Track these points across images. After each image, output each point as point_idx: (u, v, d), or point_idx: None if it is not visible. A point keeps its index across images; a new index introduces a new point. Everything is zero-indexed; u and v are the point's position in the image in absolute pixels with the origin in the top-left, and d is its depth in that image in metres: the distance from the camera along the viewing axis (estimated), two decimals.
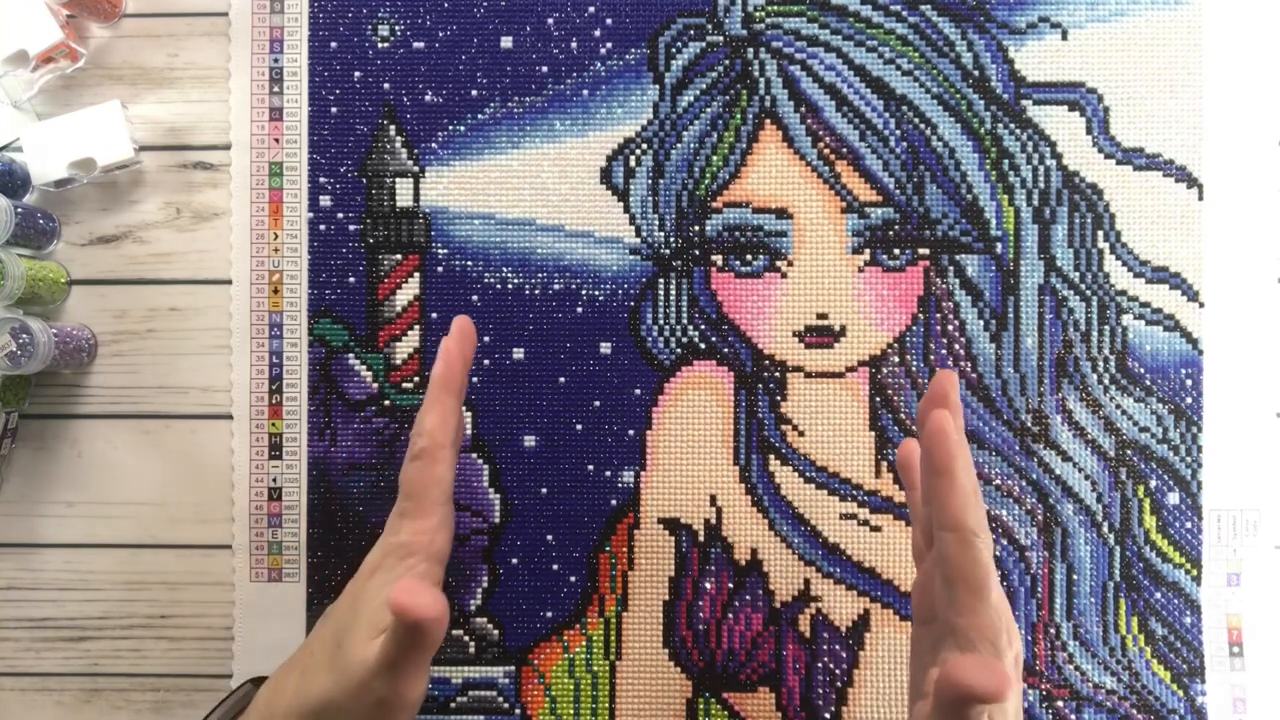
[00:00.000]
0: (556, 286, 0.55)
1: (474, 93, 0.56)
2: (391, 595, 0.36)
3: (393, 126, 0.56)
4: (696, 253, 0.55)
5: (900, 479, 0.53)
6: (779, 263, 0.55)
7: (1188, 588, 0.54)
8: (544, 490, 0.55)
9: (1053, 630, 0.54)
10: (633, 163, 0.55)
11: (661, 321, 0.55)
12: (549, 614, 0.55)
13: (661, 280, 0.55)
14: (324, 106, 0.56)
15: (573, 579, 0.55)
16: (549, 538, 0.55)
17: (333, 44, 0.56)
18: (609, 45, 0.55)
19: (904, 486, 0.48)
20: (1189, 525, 0.54)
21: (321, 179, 0.56)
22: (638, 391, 0.55)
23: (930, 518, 0.40)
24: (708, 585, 0.54)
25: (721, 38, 0.55)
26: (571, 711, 0.54)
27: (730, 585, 0.54)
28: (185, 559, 0.56)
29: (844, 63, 0.54)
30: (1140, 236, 0.54)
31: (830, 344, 0.54)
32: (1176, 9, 0.55)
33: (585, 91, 0.55)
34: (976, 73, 0.54)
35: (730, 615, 0.54)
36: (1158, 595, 0.54)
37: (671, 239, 0.55)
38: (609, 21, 0.55)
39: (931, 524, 0.39)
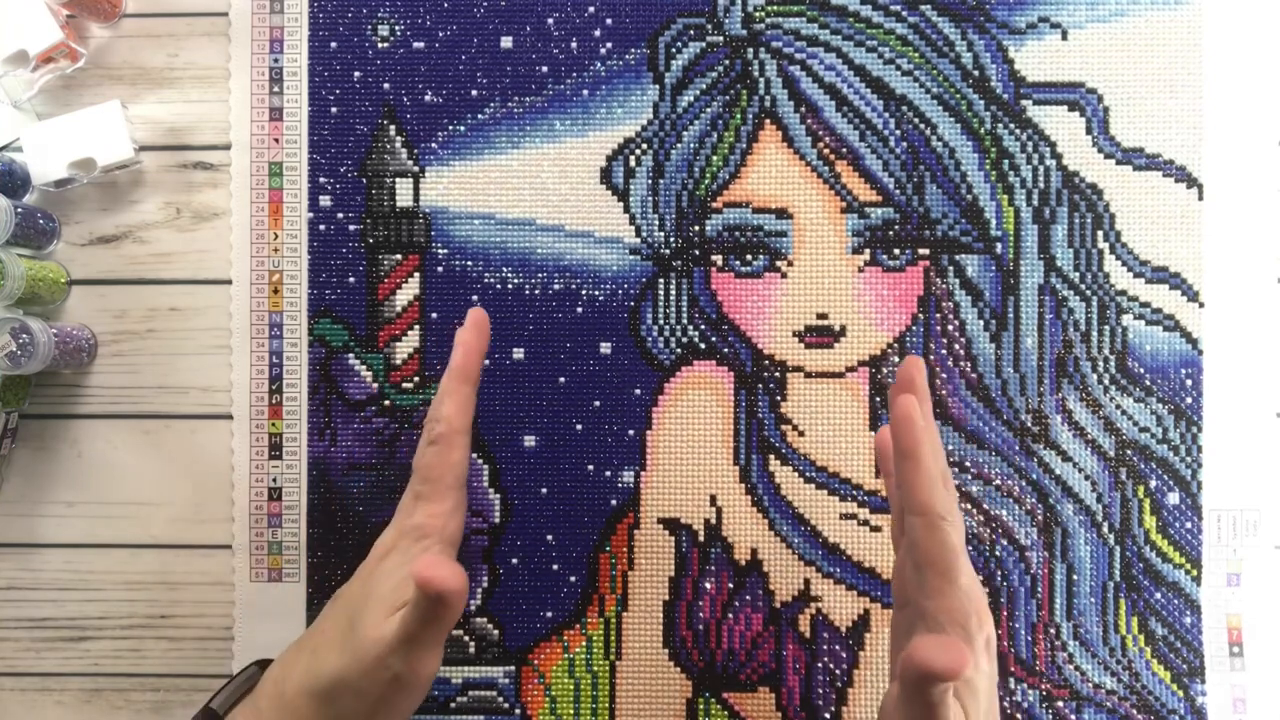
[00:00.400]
0: (556, 286, 0.55)
1: (474, 93, 0.56)
2: (416, 568, 0.37)
3: (393, 126, 0.56)
4: (696, 253, 0.55)
5: (879, 467, 0.52)
6: (779, 263, 0.55)
7: (1188, 588, 0.54)
8: (544, 490, 0.55)
9: (1053, 630, 0.54)
10: (633, 163, 0.55)
11: (661, 321, 0.55)
12: (549, 614, 0.55)
13: (661, 280, 0.55)
14: (324, 106, 0.56)
15: (573, 579, 0.55)
16: (549, 538, 0.55)
17: (333, 44, 0.56)
18: (609, 45, 0.55)
19: (882, 474, 0.48)
20: (1189, 525, 0.54)
21: (321, 179, 0.56)
22: (638, 391, 0.55)
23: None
24: (708, 585, 0.54)
25: (721, 38, 0.55)
26: (571, 711, 0.54)
27: (730, 585, 0.54)
28: (185, 559, 0.56)
29: (844, 63, 0.54)
30: (1140, 236, 0.54)
31: (830, 344, 0.54)
32: (1176, 9, 0.55)
33: (585, 91, 0.55)
34: (976, 73, 0.54)
35: (730, 615, 0.54)
36: (1158, 595, 0.54)
37: (671, 239, 0.55)
38: (609, 21, 0.55)
39: None
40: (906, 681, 0.36)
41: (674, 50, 0.55)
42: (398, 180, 0.56)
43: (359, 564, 0.55)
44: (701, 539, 0.54)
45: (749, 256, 0.55)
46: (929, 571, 0.39)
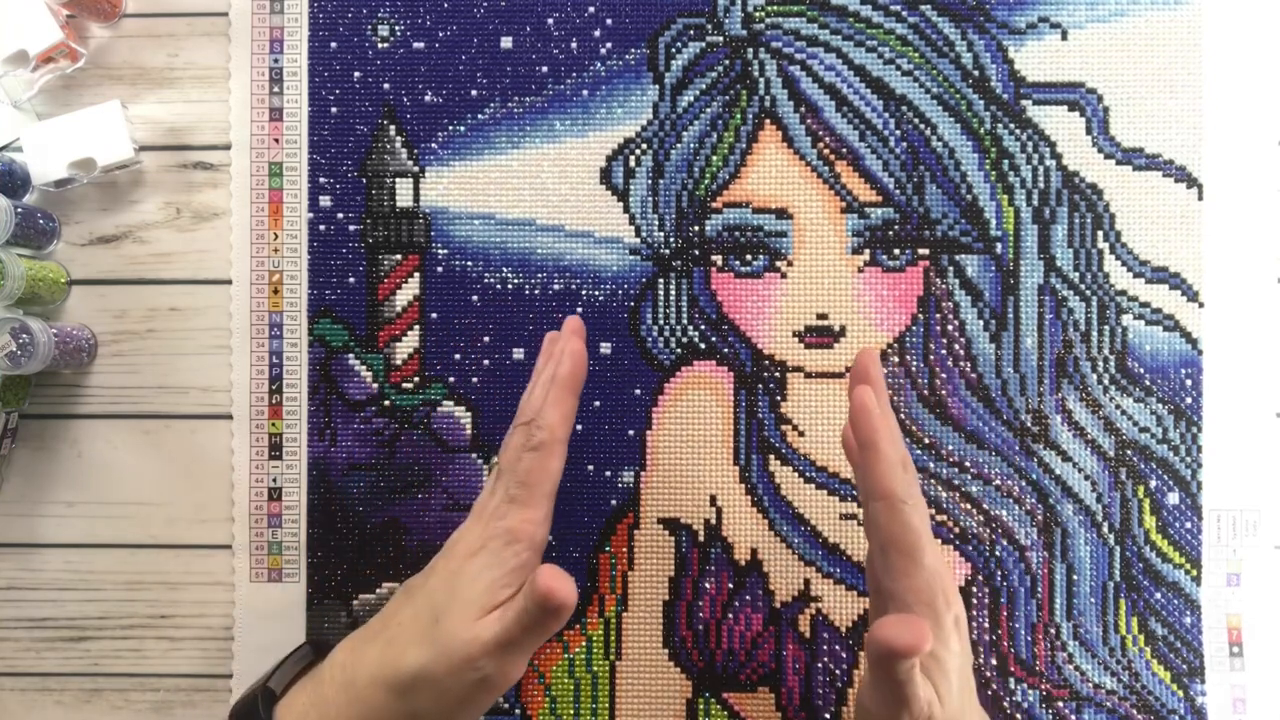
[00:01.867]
0: (556, 286, 0.55)
1: (474, 93, 0.56)
2: (542, 580, 0.38)
3: (393, 126, 0.56)
4: (696, 253, 0.55)
5: (849, 460, 0.52)
6: (779, 263, 0.55)
7: (1188, 588, 0.54)
8: None
9: (1053, 630, 0.54)
10: (633, 163, 0.55)
11: (661, 321, 0.55)
12: None
13: (661, 280, 0.55)
14: (324, 106, 0.56)
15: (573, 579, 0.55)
16: (549, 538, 0.55)
17: (333, 44, 0.56)
18: (609, 45, 0.55)
19: (851, 466, 0.49)
20: (1189, 525, 0.54)
21: (321, 179, 0.56)
22: (638, 391, 0.55)
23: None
24: (708, 585, 0.54)
25: (721, 38, 0.55)
26: (571, 711, 0.54)
27: (730, 585, 0.54)
28: (185, 559, 0.56)
29: (844, 63, 0.54)
30: (1140, 236, 0.54)
31: (830, 344, 0.54)
32: (1176, 9, 0.55)
33: (585, 91, 0.55)
34: (976, 73, 0.54)
35: (730, 615, 0.54)
36: (1158, 595, 0.54)
37: (671, 239, 0.55)
38: (609, 21, 0.55)
39: None
40: (873, 661, 0.38)
41: (674, 50, 0.55)
42: (398, 180, 0.56)
43: (359, 564, 0.55)
44: (701, 539, 0.54)
45: (749, 256, 0.55)
46: (893, 553, 0.40)
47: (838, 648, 0.54)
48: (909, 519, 0.40)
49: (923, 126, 0.54)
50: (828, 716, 0.54)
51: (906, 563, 0.40)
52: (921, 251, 0.54)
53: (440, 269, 0.56)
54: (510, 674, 0.41)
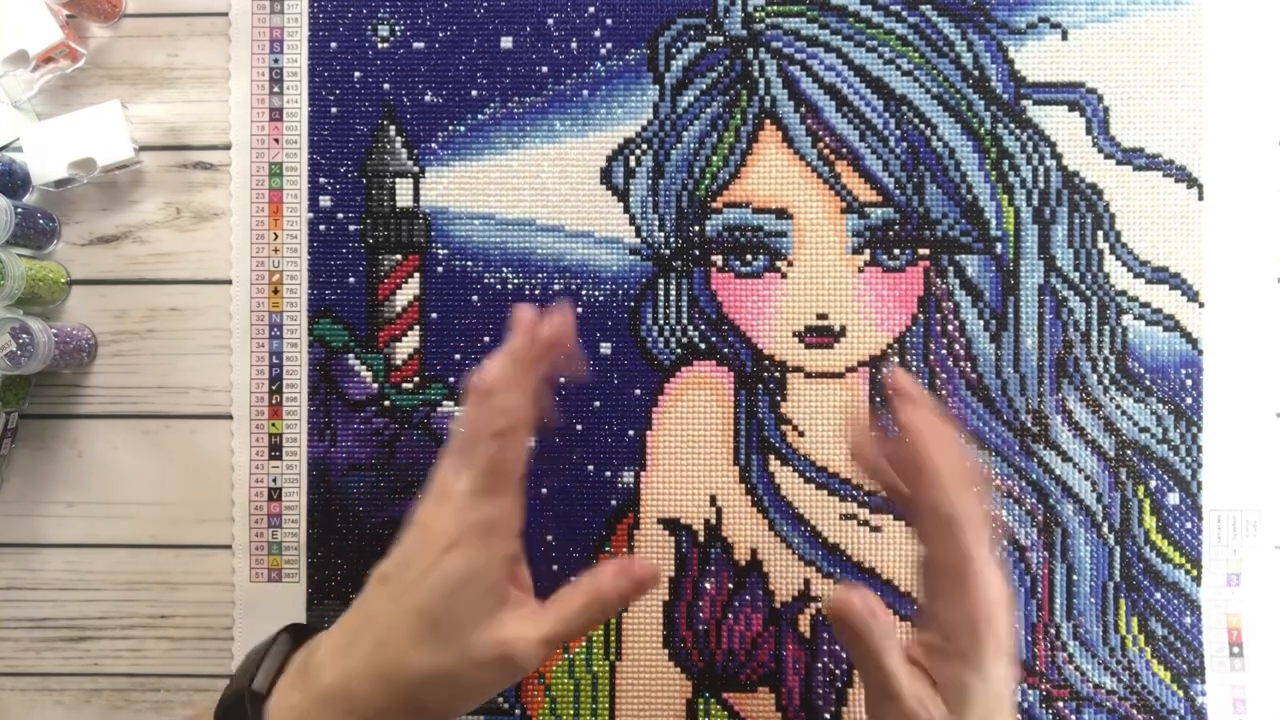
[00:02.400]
0: (556, 286, 0.55)
1: (474, 93, 0.56)
2: (641, 569, 0.40)
3: (393, 126, 0.56)
4: (696, 253, 0.55)
5: (857, 464, 0.48)
6: (779, 263, 0.55)
7: (1188, 588, 0.54)
8: (544, 490, 0.55)
9: (1053, 630, 0.54)
10: (633, 163, 0.55)
11: (661, 322, 0.55)
12: None
13: (661, 280, 0.55)
14: (324, 106, 0.56)
15: (573, 579, 0.55)
16: (549, 538, 0.55)
17: (333, 44, 0.56)
18: (609, 45, 0.55)
19: (860, 467, 0.47)
20: (1189, 525, 0.54)
21: (321, 179, 0.56)
22: (638, 391, 0.55)
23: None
24: (708, 585, 0.54)
25: (721, 38, 0.55)
26: (571, 711, 0.54)
27: (730, 585, 0.54)
28: (185, 559, 0.56)
29: (844, 63, 0.54)
30: (1140, 236, 0.54)
31: (830, 344, 0.54)
32: (1176, 9, 0.55)
33: (585, 91, 0.55)
34: (976, 73, 0.54)
35: (730, 615, 0.54)
36: (1158, 595, 0.54)
37: (671, 239, 0.55)
38: (609, 21, 0.55)
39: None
40: (847, 647, 0.40)
41: (674, 50, 0.55)
42: (398, 180, 0.56)
43: (359, 564, 0.55)
44: (701, 539, 0.54)
45: (749, 256, 0.55)
46: (939, 575, 0.40)
47: (838, 648, 0.54)
48: (961, 537, 0.39)
49: (923, 126, 0.54)
50: (828, 716, 0.54)
51: (953, 587, 0.39)
52: (921, 251, 0.54)
53: (440, 269, 0.56)
54: (540, 665, 0.42)
